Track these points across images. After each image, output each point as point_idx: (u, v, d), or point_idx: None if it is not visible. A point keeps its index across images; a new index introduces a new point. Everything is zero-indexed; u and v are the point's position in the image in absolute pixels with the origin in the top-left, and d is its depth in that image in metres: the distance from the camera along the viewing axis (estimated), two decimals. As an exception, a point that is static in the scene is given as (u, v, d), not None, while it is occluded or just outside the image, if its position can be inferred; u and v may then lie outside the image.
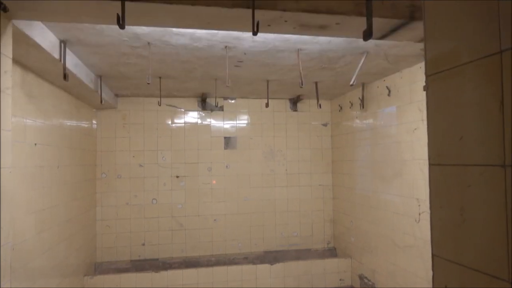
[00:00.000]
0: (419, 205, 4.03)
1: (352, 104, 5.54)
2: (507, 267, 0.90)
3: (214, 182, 6.01)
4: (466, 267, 1.03)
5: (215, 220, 6.00)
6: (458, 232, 1.07)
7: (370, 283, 5.11)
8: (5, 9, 1.96)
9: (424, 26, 1.19)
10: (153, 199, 5.83)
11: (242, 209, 6.09)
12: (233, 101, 6.13)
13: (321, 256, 6.16)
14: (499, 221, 0.92)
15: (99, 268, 5.58)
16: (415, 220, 4.09)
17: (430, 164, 1.17)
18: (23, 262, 3.14)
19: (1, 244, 1.95)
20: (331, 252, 6.27)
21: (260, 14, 2.09)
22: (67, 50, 3.22)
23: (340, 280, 5.67)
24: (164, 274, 5.14)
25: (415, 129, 4.08)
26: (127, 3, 1.93)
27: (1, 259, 1.95)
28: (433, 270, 1.18)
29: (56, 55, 2.99)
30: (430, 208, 1.18)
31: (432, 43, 1.18)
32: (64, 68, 3.15)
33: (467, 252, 1.04)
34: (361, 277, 5.37)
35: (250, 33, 2.16)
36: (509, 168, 0.89)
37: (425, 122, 3.80)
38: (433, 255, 1.18)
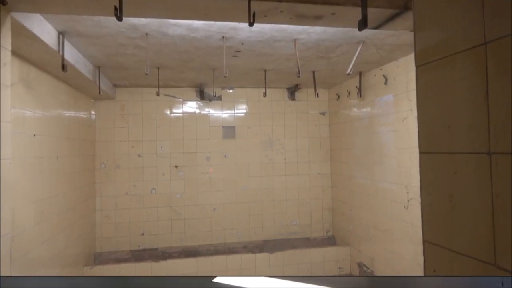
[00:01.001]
0: (408, 192, 4.14)
1: (349, 93, 5.55)
2: (493, 251, 0.93)
3: (211, 170, 6.03)
4: (455, 252, 1.07)
5: (214, 209, 6.04)
6: (447, 218, 1.10)
7: (369, 271, 5.16)
8: (3, 2, 1.97)
9: (414, 17, 1.21)
10: (152, 189, 5.86)
11: (241, 198, 6.13)
12: (231, 91, 6.14)
13: (320, 244, 6.19)
14: (486, 207, 0.95)
15: (99, 258, 5.62)
16: (404, 207, 4.18)
17: (420, 153, 1.20)
18: (22, 252, 3.18)
19: (1, 234, 1.98)
20: (330, 241, 6.32)
21: (256, 5, 2.10)
22: (66, 42, 3.22)
23: (339, 268, 5.73)
24: (164, 263, 5.19)
25: (405, 118, 4.14)
26: (124, -5, 1.94)
27: (1, 249, 1.98)
28: (424, 255, 1.21)
29: (54, 46, 3.00)
30: (421, 195, 1.21)
31: (422, 34, 1.19)
32: (63, 59, 3.16)
33: (456, 237, 1.07)
34: (360, 265, 5.43)
35: (247, 24, 2.18)
36: (495, 155, 0.92)
37: (414, 112, 3.88)
38: (424, 241, 1.21)
